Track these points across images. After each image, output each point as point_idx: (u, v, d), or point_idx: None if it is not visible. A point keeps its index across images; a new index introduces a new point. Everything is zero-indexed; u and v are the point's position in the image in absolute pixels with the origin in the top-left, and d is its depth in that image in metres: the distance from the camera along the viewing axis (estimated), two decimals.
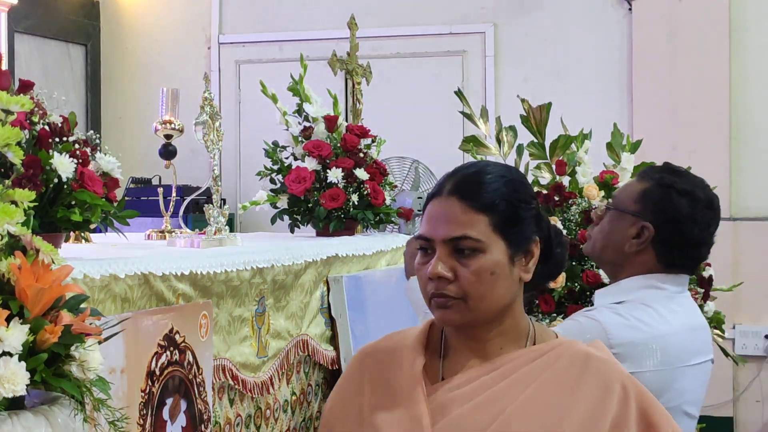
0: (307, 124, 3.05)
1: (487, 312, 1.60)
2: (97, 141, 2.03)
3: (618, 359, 1.98)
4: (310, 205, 2.94)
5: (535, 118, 3.47)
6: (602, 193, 3.25)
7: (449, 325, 1.65)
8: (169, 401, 1.95)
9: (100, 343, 1.36)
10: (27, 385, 1.25)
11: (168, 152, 2.89)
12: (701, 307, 3.28)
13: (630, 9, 5.63)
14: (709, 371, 2.23)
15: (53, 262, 1.35)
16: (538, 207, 1.67)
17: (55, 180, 1.80)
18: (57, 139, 1.87)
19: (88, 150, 1.92)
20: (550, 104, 3.49)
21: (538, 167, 3.47)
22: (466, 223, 1.58)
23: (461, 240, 1.58)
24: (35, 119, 1.87)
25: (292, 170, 2.95)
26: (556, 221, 3.13)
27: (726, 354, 3.56)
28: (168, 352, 1.94)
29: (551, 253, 1.69)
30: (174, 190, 3.07)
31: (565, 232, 3.14)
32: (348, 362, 2.73)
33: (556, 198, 3.24)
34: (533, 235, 1.64)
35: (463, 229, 1.58)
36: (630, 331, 2.02)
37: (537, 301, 3.24)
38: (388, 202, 3.06)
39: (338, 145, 3.01)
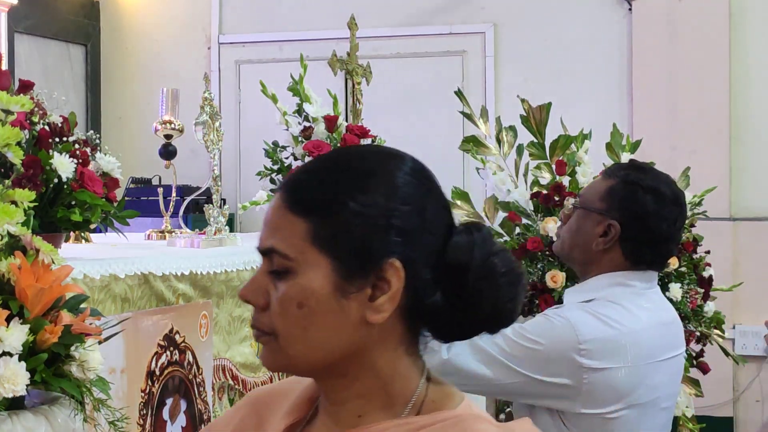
0: (307, 124, 3.05)
1: (308, 360, 1.11)
2: (97, 141, 2.03)
3: (588, 356, 1.99)
4: None
5: (535, 118, 3.47)
6: None
7: (268, 369, 1.27)
8: (169, 401, 1.95)
9: (100, 343, 1.36)
10: (27, 385, 1.25)
11: (168, 152, 2.89)
12: (701, 307, 3.28)
13: (630, 9, 5.63)
14: (682, 365, 2.25)
15: (53, 262, 1.35)
16: (418, 214, 1.10)
17: (55, 180, 1.80)
18: (57, 139, 1.87)
19: (88, 150, 1.92)
20: (550, 104, 3.49)
21: (538, 167, 3.47)
22: (277, 231, 1.10)
23: (268, 254, 1.10)
24: (35, 119, 1.87)
25: (292, 170, 2.95)
26: (555, 221, 3.13)
27: (726, 354, 3.56)
28: (168, 352, 1.94)
29: (459, 285, 1.10)
30: (174, 190, 3.07)
31: None
32: None
33: (556, 198, 3.24)
34: (388, 256, 1.07)
35: (270, 239, 1.10)
36: (600, 328, 2.03)
37: (537, 301, 3.24)
38: None
39: (338, 145, 3.01)
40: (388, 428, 1.10)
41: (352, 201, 1.07)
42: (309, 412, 1.20)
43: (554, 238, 3.05)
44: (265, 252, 1.10)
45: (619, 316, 2.07)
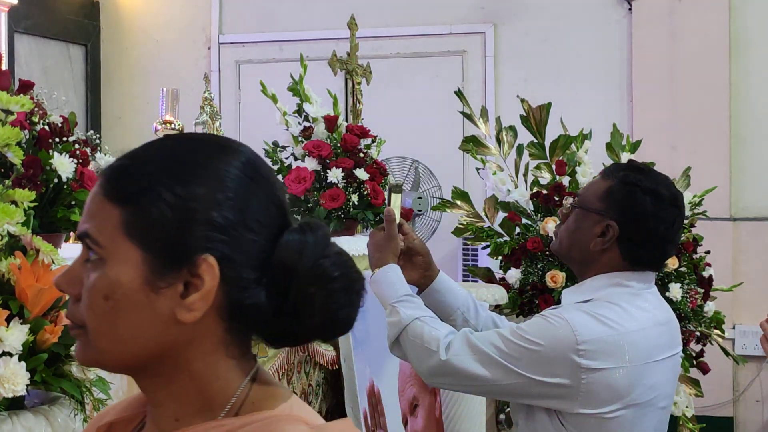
0: (307, 124, 3.05)
1: (117, 357, 1.04)
2: (97, 141, 2.03)
3: (587, 357, 1.99)
4: (310, 205, 2.94)
5: (535, 118, 3.47)
6: None
7: (80, 363, 1.14)
8: None
9: None
10: (27, 385, 1.25)
11: None
12: (701, 307, 3.29)
13: (630, 9, 5.63)
14: (679, 364, 2.26)
15: (53, 262, 1.36)
16: (240, 210, 1.04)
17: (55, 180, 1.81)
18: (57, 139, 1.87)
19: (88, 150, 1.92)
20: (549, 104, 3.49)
21: (538, 167, 3.47)
22: (93, 216, 1.04)
23: (83, 240, 1.04)
24: (35, 119, 1.87)
25: (292, 170, 2.96)
26: (555, 221, 3.13)
27: (726, 354, 3.56)
28: None
29: (286, 289, 1.03)
30: None
31: None
32: (347, 363, 2.74)
33: (556, 198, 3.24)
34: (202, 252, 1.01)
35: (85, 223, 1.04)
36: (598, 329, 2.03)
37: (537, 301, 3.24)
38: None
39: (338, 145, 3.01)
40: (199, 431, 1.03)
41: (167, 191, 1.01)
42: (140, 414, 1.13)
43: (553, 238, 3.06)
44: (80, 237, 1.04)
45: (616, 316, 2.08)
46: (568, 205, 2.26)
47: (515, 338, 2.02)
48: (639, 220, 2.13)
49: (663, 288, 3.13)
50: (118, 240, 1.01)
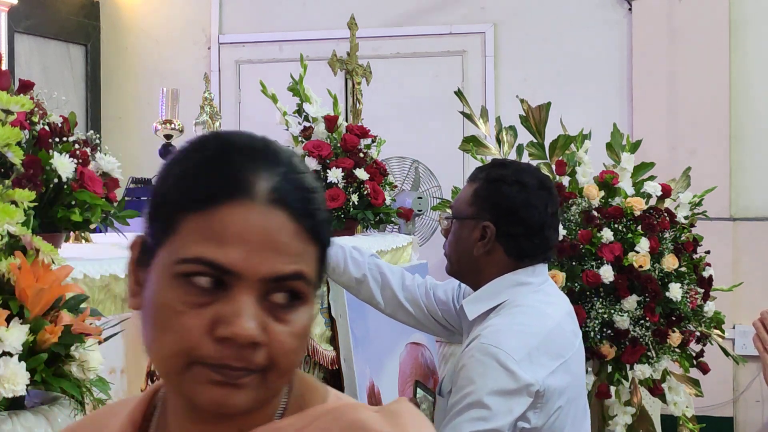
0: (307, 124, 3.05)
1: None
2: (97, 141, 2.03)
3: (525, 367, 1.98)
4: None
5: (535, 118, 3.47)
6: (602, 192, 3.25)
7: (242, 409, 0.94)
8: None
9: (100, 343, 1.36)
10: (27, 385, 1.25)
11: (168, 152, 2.89)
12: (701, 307, 3.29)
13: (630, 9, 5.63)
14: (583, 347, 2.27)
15: (53, 262, 1.36)
16: None
17: (55, 180, 1.80)
18: (57, 139, 1.87)
19: (88, 150, 1.92)
20: (549, 104, 3.49)
21: (537, 167, 3.47)
22: (301, 255, 0.94)
23: (290, 281, 0.93)
24: (35, 119, 1.87)
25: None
26: None
27: (726, 354, 3.56)
28: None
29: None
30: None
31: (565, 232, 3.15)
32: (347, 363, 2.74)
33: None
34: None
35: (296, 263, 0.93)
36: (523, 340, 2.03)
37: None
38: (388, 202, 3.07)
39: (338, 145, 3.01)
40: None
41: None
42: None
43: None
44: (287, 278, 0.93)
45: (532, 320, 2.08)
46: (444, 220, 2.28)
47: (470, 408, 1.98)
48: (511, 213, 2.14)
49: (663, 288, 3.13)
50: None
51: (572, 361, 2.13)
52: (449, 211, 2.36)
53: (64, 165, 1.80)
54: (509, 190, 2.14)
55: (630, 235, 3.15)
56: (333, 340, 2.77)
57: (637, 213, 3.19)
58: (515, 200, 2.14)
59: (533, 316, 2.10)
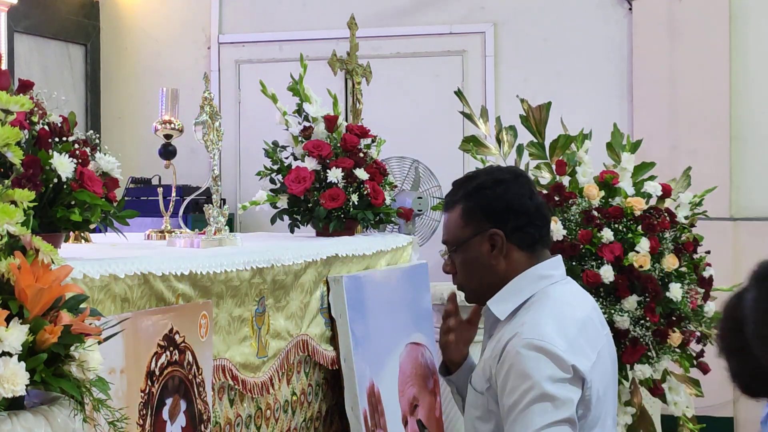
0: (307, 124, 3.05)
1: None
2: (97, 141, 2.03)
3: (570, 356, 1.98)
4: (310, 205, 2.94)
5: (535, 118, 3.47)
6: (602, 192, 3.25)
7: None
8: (169, 401, 1.95)
9: (99, 343, 1.36)
10: (27, 385, 1.25)
11: (168, 152, 2.89)
12: (701, 307, 3.29)
13: (630, 9, 5.63)
14: (613, 344, 2.28)
15: (53, 262, 1.35)
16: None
17: (55, 180, 1.80)
18: (57, 139, 1.87)
19: (88, 150, 1.92)
20: (549, 104, 3.49)
21: (538, 167, 3.47)
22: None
23: None
24: (35, 119, 1.87)
25: (292, 170, 2.95)
26: (555, 221, 3.13)
27: None
28: (168, 353, 1.94)
29: None
30: (174, 190, 3.07)
31: (565, 232, 3.14)
32: (347, 363, 2.74)
33: (556, 198, 3.24)
34: None
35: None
36: (563, 330, 2.04)
37: None
38: (388, 202, 3.06)
39: (338, 145, 3.01)
40: None
41: None
42: None
43: (555, 239, 3.05)
44: None
45: (566, 309, 2.10)
46: (446, 255, 2.27)
47: (533, 407, 1.97)
48: (508, 210, 2.14)
49: (663, 288, 3.13)
50: None
51: (604, 351, 2.13)
52: (443, 250, 2.36)
53: (63, 165, 1.80)
54: (494, 192, 2.16)
55: (630, 235, 3.15)
56: (333, 340, 2.77)
57: (638, 213, 3.19)
58: (504, 197, 2.16)
59: (565, 307, 2.11)
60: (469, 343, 2.37)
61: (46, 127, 1.87)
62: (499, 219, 2.14)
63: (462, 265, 2.20)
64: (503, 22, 5.88)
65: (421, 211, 4.73)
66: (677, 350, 3.23)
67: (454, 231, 2.21)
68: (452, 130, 5.46)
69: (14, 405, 1.26)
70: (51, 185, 1.80)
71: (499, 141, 3.54)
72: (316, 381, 2.75)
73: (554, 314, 2.08)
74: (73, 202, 1.84)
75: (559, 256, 2.24)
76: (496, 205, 2.15)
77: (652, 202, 3.30)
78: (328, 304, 2.75)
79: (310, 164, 2.95)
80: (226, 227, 2.59)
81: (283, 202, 2.99)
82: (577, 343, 2.04)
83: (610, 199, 3.26)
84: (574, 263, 3.10)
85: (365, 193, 2.96)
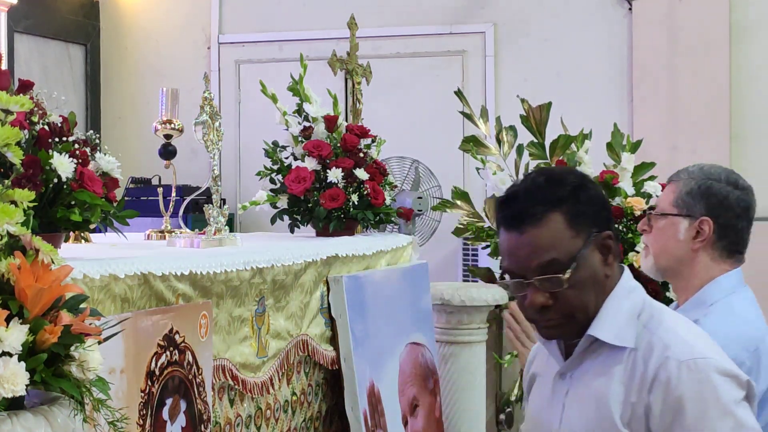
0: (307, 124, 3.05)
1: None
2: (97, 141, 2.03)
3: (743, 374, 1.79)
4: (310, 205, 2.94)
5: (535, 118, 3.47)
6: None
7: None
8: (169, 401, 1.95)
9: (99, 343, 1.36)
10: (27, 385, 1.25)
11: (168, 152, 2.89)
12: None
13: (630, 9, 5.63)
14: None
15: (53, 262, 1.35)
16: None
17: (55, 180, 1.80)
18: (57, 139, 1.87)
19: (88, 150, 1.92)
20: (550, 104, 3.49)
21: (538, 167, 3.47)
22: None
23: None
24: (35, 119, 1.87)
25: (292, 170, 2.95)
26: None
27: None
28: (168, 353, 1.94)
29: None
30: (174, 190, 3.07)
31: None
32: (347, 363, 2.73)
33: None
34: None
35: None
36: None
37: None
38: (388, 202, 3.06)
39: (338, 145, 3.01)
40: None
41: None
42: None
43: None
44: None
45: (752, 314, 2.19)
46: (535, 283, 1.79)
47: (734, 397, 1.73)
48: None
49: (663, 288, 3.13)
50: None
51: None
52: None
53: (63, 165, 1.80)
54: (596, 190, 1.87)
55: (630, 235, 3.15)
56: (333, 340, 2.77)
57: (637, 213, 3.19)
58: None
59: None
60: None
61: (46, 127, 1.87)
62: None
63: (577, 285, 1.76)
64: (503, 22, 5.88)
65: (421, 211, 4.73)
66: None
67: (562, 244, 1.76)
68: (452, 130, 5.46)
69: (14, 405, 1.26)
70: (51, 185, 1.80)
71: (499, 141, 3.54)
72: (316, 381, 2.75)
73: (692, 330, 1.86)
74: (73, 202, 1.84)
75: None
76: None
77: (652, 202, 3.30)
78: (328, 304, 2.75)
79: (310, 164, 2.95)
80: (226, 227, 2.59)
81: (283, 202, 2.99)
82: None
83: (610, 199, 3.26)
84: None
85: (365, 193, 2.96)
